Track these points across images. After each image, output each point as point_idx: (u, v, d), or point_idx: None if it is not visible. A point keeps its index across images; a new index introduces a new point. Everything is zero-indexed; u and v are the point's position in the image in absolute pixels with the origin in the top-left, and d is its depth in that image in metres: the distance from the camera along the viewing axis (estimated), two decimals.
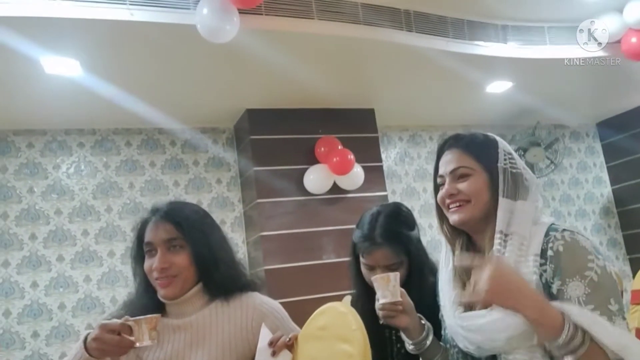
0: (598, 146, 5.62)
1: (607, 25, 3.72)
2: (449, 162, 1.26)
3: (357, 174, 3.93)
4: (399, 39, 3.31)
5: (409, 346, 1.35)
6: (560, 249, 1.10)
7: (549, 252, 1.11)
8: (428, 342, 1.33)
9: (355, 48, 3.31)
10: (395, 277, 1.31)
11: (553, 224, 1.17)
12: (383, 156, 4.46)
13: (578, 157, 5.51)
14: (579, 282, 1.06)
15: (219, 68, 3.28)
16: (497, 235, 1.16)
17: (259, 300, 1.43)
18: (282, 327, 1.35)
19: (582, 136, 5.58)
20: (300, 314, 1.40)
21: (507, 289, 1.02)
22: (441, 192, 1.26)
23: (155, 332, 1.23)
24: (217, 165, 4.14)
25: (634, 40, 3.62)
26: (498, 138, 1.27)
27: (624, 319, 1.03)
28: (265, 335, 1.26)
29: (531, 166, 4.93)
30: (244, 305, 1.40)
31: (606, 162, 5.57)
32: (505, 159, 1.21)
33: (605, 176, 5.56)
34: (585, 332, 1.00)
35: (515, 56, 3.73)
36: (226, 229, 3.98)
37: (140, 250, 1.42)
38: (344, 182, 3.93)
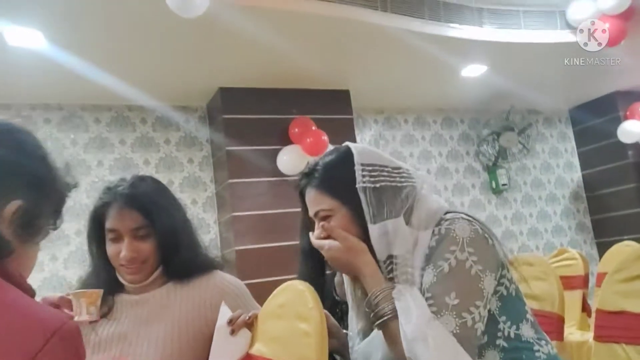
0: (570, 132, 5.69)
1: (581, 11, 3.74)
2: (309, 204, 1.18)
3: None
4: (374, 19, 3.27)
5: None
6: (434, 244, 1.06)
7: (427, 252, 1.06)
8: None
9: (330, 27, 3.27)
10: None
11: (441, 218, 1.09)
12: (358, 138, 4.44)
13: (550, 143, 5.57)
14: (431, 270, 1.03)
15: (191, 44, 3.21)
16: (382, 266, 1.09)
17: (220, 278, 1.41)
18: (243, 306, 1.33)
19: (554, 122, 5.64)
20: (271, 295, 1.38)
21: (344, 262, 1.11)
22: (313, 236, 1.17)
23: (94, 308, 1.20)
24: (189, 145, 4.07)
25: (607, 26, 3.64)
26: (354, 150, 1.14)
27: (462, 317, 0.98)
28: (224, 314, 1.24)
29: (504, 150, 4.97)
30: (203, 283, 1.38)
31: (577, 148, 5.65)
32: (364, 176, 1.10)
33: (576, 161, 5.64)
34: (392, 309, 1.02)
35: (491, 39, 3.72)
36: (197, 209, 3.93)
37: (98, 231, 1.38)
38: None
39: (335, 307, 1.57)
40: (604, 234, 5.37)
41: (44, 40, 2.90)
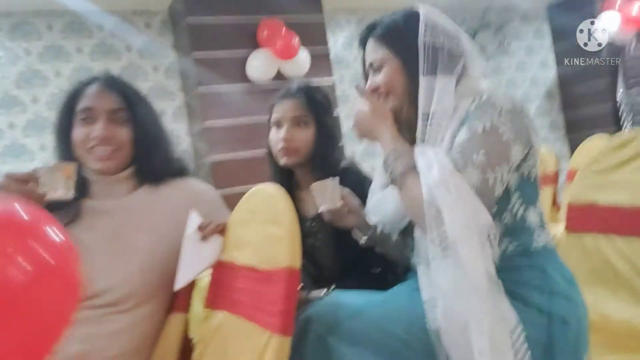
0: (547, 29, 5.57)
1: None
2: (367, 55, 1.23)
3: (303, 59, 3.77)
4: None
5: (361, 241, 1.33)
6: (473, 108, 1.07)
7: (464, 116, 1.08)
8: (379, 233, 1.30)
9: None
10: (334, 182, 1.26)
11: (485, 90, 1.11)
12: (330, 41, 4.26)
13: (527, 40, 5.46)
14: (466, 129, 1.05)
15: None
16: (420, 118, 1.12)
17: (192, 186, 1.36)
18: (215, 214, 1.29)
19: (531, 19, 5.49)
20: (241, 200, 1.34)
21: (366, 123, 1.15)
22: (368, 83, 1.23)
23: (72, 183, 1.10)
24: (153, 52, 3.86)
25: None
26: (423, 10, 1.17)
27: (485, 174, 1.00)
28: (193, 221, 1.20)
29: (481, 49, 4.87)
30: (175, 190, 1.33)
31: (554, 45, 5.56)
32: (425, 33, 1.13)
33: (551, 60, 5.58)
34: (410, 162, 1.05)
35: None
36: (167, 120, 3.82)
37: (68, 121, 1.26)
38: (289, 68, 3.76)
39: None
40: (576, 130, 5.43)
41: None
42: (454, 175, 0.98)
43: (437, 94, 1.11)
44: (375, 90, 1.19)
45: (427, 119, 1.11)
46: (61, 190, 1.08)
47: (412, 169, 1.04)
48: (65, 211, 1.21)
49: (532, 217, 1.10)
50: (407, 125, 1.18)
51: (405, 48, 1.15)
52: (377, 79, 1.19)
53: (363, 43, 1.25)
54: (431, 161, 1.01)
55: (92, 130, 1.22)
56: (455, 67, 1.14)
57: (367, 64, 1.23)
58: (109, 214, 1.27)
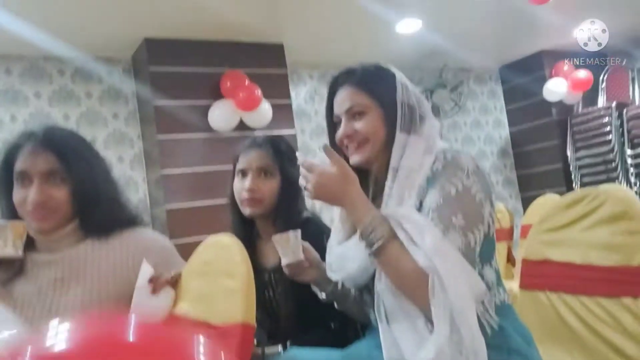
0: (499, 89, 5.84)
1: None
2: (342, 101, 1.21)
3: (265, 110, 3.80)
4: None
5: (321, 296, 1.31)
6: (439, 167, 1.09)
7: (430, 174, 1.10)
8: (339, 288, 1.29)
9: None
10: (295, 235, 1.25)
11: (446, 149, 1.14)
12: (292, 94, 4.34)
13: (480, 100, 5.70)
14: (437, 192, 1.06)
15: None
16: (390, 172, 1.14)
17: (142, 235, 1.32)
18: (167, 264, 1.25)
19: (485, 80, 5.76)
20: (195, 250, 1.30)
21: (332, 185, 1.10)
22: (338, 133, 1.22)
23: (21, 242, 1.10)
24: (114, 98, 3.83)
25: None
26: (393, 68, 1.23)
27: (467, 237, 1.01)
28: (145, 272, 1.16)
29: (437, 108, 5.03)
30: (124, 241, 1.28)
31: (506, 105, 5.82)
32: (402, 92, 1.17)
33: (504, 119, 5.82)
34: (390, 231, 1.03)
35: None
36: (124, 167, 3.74)
37: (7, 179, 1.24)
38: (251, 118, 3.79)
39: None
40: (529, 188, 5.62)
41: None
42: (445, 242, 0.99)
43: (408, 151, 1.13)
44: (350, 136, 1.18)
45: (395, 173, 1.12)
46: (10, 248, 1.08)
47: (394, 237, 1.03)
48: (9, 265, 1.18)
49: (489, 275, 1.10)
50: (373, 178, 1.19)
51: (387, 101, 1.17)
52: (357, 125, 1.18)
53: (334, 88, 1.25)
54: (421, 228, 1.01)
55: (28, 194, 1.20)
56: (423, 127, 1.17)
57: (340, 109, 1.21)
58: (50, 266, 1.23)
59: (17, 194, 1.21)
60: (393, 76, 1.20)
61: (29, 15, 3.04)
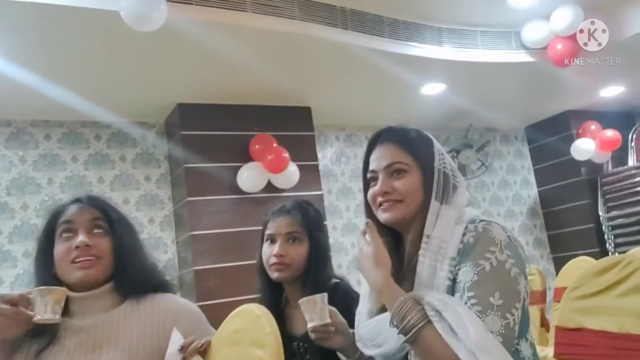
0: (526, 149, 5.83)
1: (535, 32, 3.85)
2: (382, 157, 1.19)
3: (292, 172, 3.87)
4: (335, 37, 3.28)
5: None
6: (471, 240, 1.07)
7: (460, 246, 1.08)
8: (366, 357, 1.25)
9: (290, 44, 3.25)
10: (322, 298, 1.25)
11: (475, 218, 1.13)
12: (319, 155, 4.42)
13: (507, 160, 5.69)
14: (470, 268, 1.04)
15: (148, 58, 3.13)
16: (424, 239, 1.12)
17: (173, 301, 1.34)
18: (197, 331, 1.26)
19: (511, 139, 5.77)
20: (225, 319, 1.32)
21: (364, 264, 1.12)
22: (373, 189, 1.20)
23: (60, 307, 1.13)
24: (146, 162, 3.96)
25: (559, 46, 3.76)
26: (431, 136, 1.24)
27: (506, 318, 0.99)
28: (176, 340, 1.17)
29: (463, 167, 5.04)
30: (155, 307, 1.30)
31: (533, 165, 5.79)
32: (440, 159, 1.17)
33: (532, 178, 5.77)
34: (424, 317, 1.00)
35: (449, 58, 3.78)
36: (155, 228, 3.81)
37: (49, 240, 1.29)
38: (279, 180, 3.85)
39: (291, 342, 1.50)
40: (560, 249, 5.49)
41: None
42: (489, 335, 0.96)
43: (440, 220, 1.12)
44: (387, 194, 1.16)
45: (427, 242, 1.11)
46: (49, 314, 1.11)
47: (428, 323, 1.00)
48: (44, 334, 1.21)
49: (525, 350, 1.08)
50: (408, 242, 1.17)
51: (426, 165, 1.16)
52: (396, 183, 1.16)
53: (374, 144, 1.23)
54: (461, 317, 0.97)
55: (73, 242, 1.25)
56: (455, 197, 1.16)
57: (380, 164, 1.19)
58: (85, 331, 1.24)
59: (61, 246, 1.25)
60: (431, 142, 1.20)
61: (69, 83, 3.22)
